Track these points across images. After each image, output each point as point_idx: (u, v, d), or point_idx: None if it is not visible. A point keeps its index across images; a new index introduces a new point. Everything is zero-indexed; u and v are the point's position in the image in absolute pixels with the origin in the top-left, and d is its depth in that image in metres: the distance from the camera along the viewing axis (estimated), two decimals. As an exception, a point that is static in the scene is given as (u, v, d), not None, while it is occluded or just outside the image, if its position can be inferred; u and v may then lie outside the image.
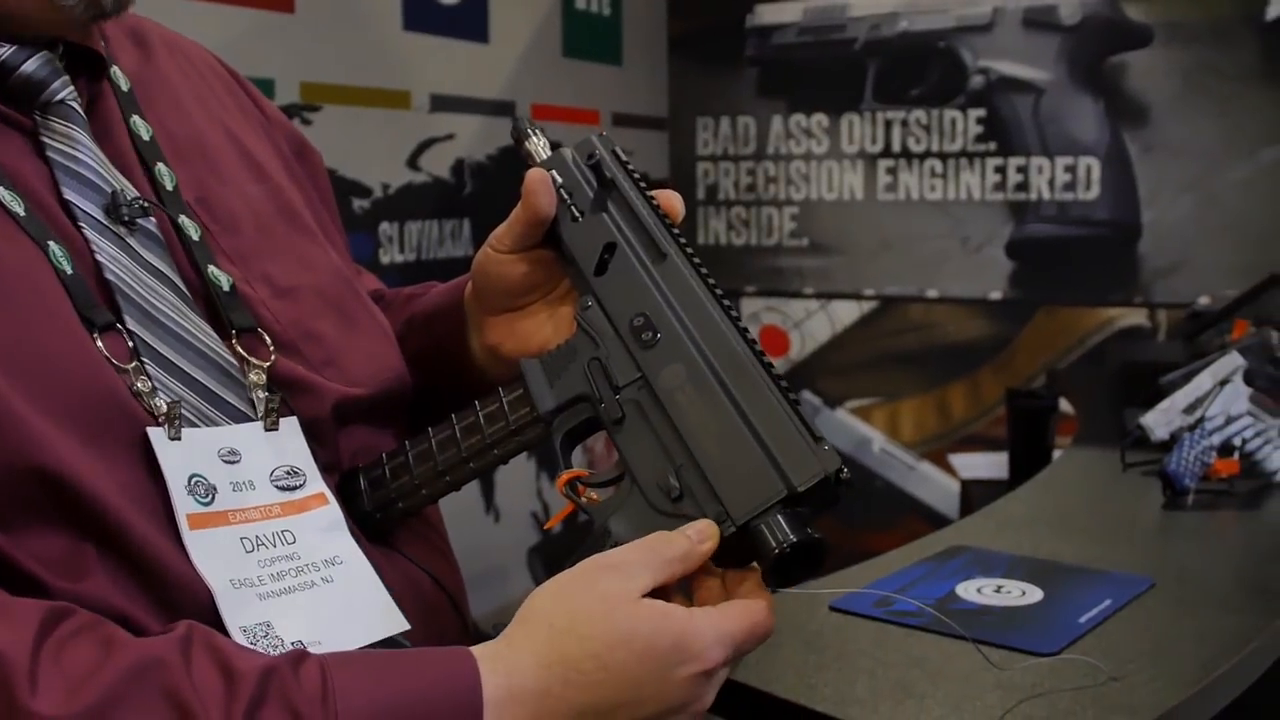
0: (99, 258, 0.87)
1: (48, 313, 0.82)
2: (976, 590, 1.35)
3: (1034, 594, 1.33)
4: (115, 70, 1.00)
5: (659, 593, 0.82)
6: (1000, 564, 1.44)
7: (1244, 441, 1.80)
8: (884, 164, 3.73)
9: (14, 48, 0.90)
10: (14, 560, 0.76)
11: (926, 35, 3.63)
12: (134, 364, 0.85)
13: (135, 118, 0.99)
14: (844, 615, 1.29)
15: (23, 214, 0.85)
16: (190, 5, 2.39)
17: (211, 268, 0.94)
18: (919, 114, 3.67)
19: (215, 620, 0.81)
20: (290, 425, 0.92)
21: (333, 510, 0.92)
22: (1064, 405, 2.90)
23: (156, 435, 0.83)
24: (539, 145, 1.03)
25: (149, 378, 0.85)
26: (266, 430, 0.90)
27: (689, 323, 0.92)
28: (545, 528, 0.86)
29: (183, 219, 0.95)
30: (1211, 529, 1.67)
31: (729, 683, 1.12)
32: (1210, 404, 1.82)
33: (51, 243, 0.85)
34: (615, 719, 0.78)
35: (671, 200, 0.98)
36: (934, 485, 3.75)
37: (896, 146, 3.71)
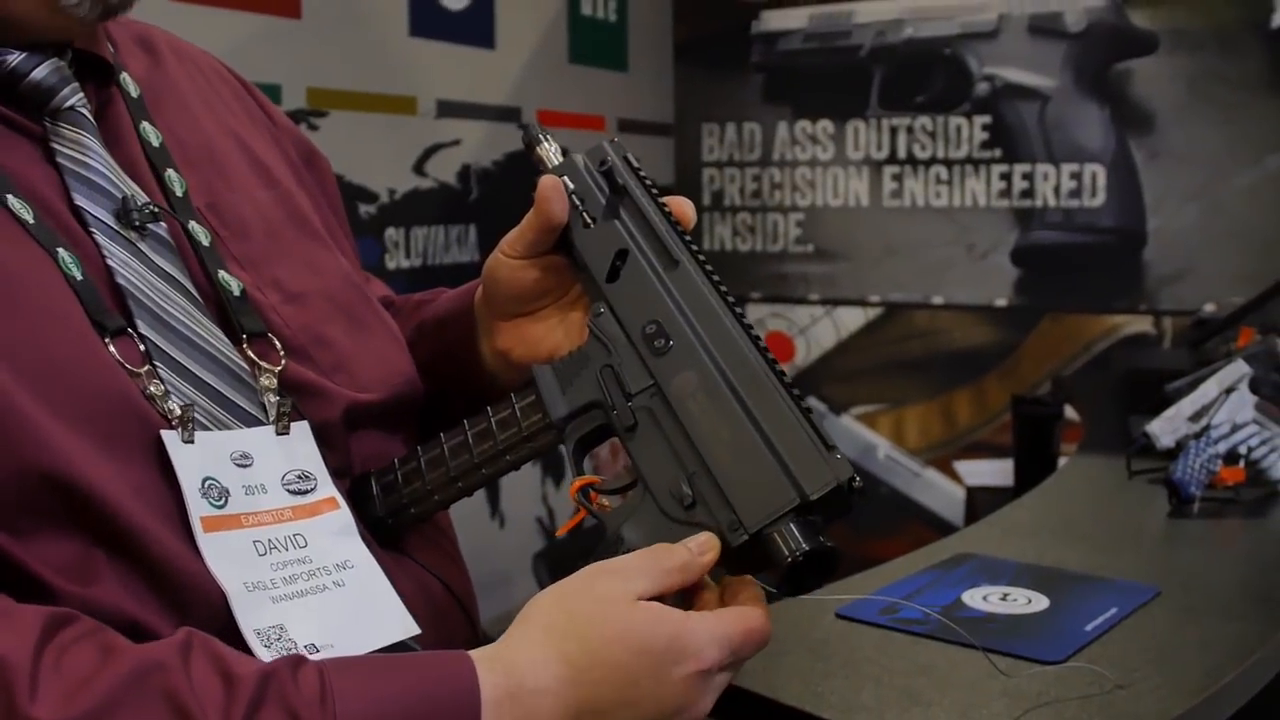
0: (110, 263, 0.88)
1: (58, 318, 0.83)
2: (982, 598, 1.35)
3: (1040, 602, 1.33)
4: (125, 76, 1.01)
5: (657, 601, 0.82)
6: (1006, 571, 1.44)
7: (1249, 449, 1.80)
8: (889, 170, 3.73)
9: (23, 54, 0.90)
10: (24, 565, 0.76)
11: (932, 42, 3.64)
12: (146, 368, 0.86)
13: (145, 124, 0.99)
14: (850, 622, 1.29)
15: (31, 221, 0.85)
16: (197, 10, 2.40)
17: (222, 273, 0.95)
18: (924, 120, 3.67)
19: (228, 622, 0.81)
20: (301, 429, 0.92)
21: (343, 514, 0.93)
22: (1069, 412, 2.89)
23: (170, 438, 0.83)
24: (550, 151, 1.03)
25: (161, 381, 0.86)
26: (278, 434, 0.91)
27: (701, 330, 0.92)
28: (558, 534, 0.86)
29: (193, 224, 0.96)
30: (1217, 537, 1.67)
31: (735, 689, 1.12)
32: (1216, 412, 1.82)
33: (60, 249, 0.85)
34: (613, 718, 0.79)
35: (683, 207, 0.99)
36: (939, 492, 3.75)
37: (902, 153, 3.71)
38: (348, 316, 1.03)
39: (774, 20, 3.87)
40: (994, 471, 3.47)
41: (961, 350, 3.67)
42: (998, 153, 3.58)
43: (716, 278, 0.94)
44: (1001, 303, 3.60)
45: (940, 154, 3.66)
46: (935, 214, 3.68)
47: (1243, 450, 1.80)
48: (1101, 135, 3.45)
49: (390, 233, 2.96)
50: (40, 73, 0.90)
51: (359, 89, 2.83)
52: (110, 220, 0.89)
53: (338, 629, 0.85)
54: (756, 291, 3.93)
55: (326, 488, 0.92)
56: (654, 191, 0.98)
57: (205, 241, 0.96)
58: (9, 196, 0.85)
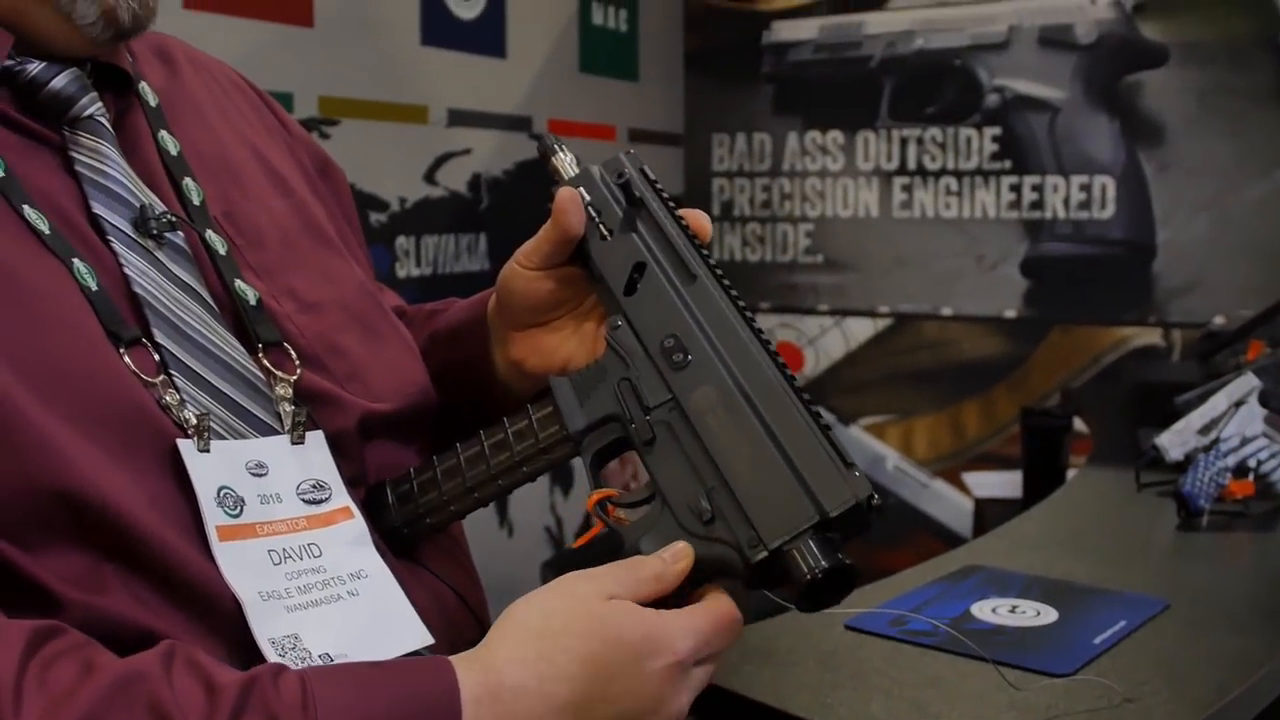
0: (127, 271, 0.88)
1: (72, 329, 0.83)
2: (991, 610, 1.34)
3: (1049, 614, 1.33)
4: (144, 86, 1.01)
5: None
6: (1015, 584, 1.44)
7: (1259, 463, 1.79)
8: (899, 181, 3.74)
9: (43, 64, 0.91)
10: (30, 575, 0.77)
11: (942, 53, 3.64)
12: (161, 377, 0.86)
13: (163, 132, 1.00)
14: (859, 634, 1.29)
15: (48, 232, 0.85)
16: (209, 18, 2.41)
17: (238, 282, 0.95)
18: (934, 132, 3.68)
19: (243, 632, 0.81)
20: (316, 439, 0.93)
21: (358, 524, 0.93)
22: (1078, 424, 2.89)
23: (186, 447, 0.84)
24: (566, 162, 1.03)
25: (177, 390, 0.86)
26: (293, 444, 0.91)
27: (720, 345, 0.92)
28: (574, 545, 0.87)
29: (210, 233, 0.96)
30: (1226, 550, 1.67)
31: (744, 701, 1.13)
32: (1225, 425, 1.81)
33: (76, 259, 0.85)
34: (592, 714, 0.79)
35: (700, 220, 0.99)
36: (947, 503, 3.74)
37: (912, 164, 3.71)
38: (362, 326, 1.04)
39: (784, 31, 3.88)
40: (1002, 483, 3.47)
41: (970, 361, 3.67)
42: (1008, 164, 3.59)
43: (734, 292, 0.94)
44: (1011, 314, 3.60)
45: (950, 165, 3.66)
46: (945, 225, 3.68)
47: (1252, 463, 1.79)
48: (1111, 147, 3.45)
49: (401, 241, 2.96)
50: (59, 82, 0.91)
51: (371, 97, 2.84)
52: (128, 229, 0.90)
53: (352, 639, 0.86)
54: (766, 302, 3.93)
55: (341, 497, 0.93)
56: (671, 205, 0.98)
57: (222, 250, 0.96)
58: (25, 207, 0.85)
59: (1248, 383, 1.86)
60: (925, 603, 1.37)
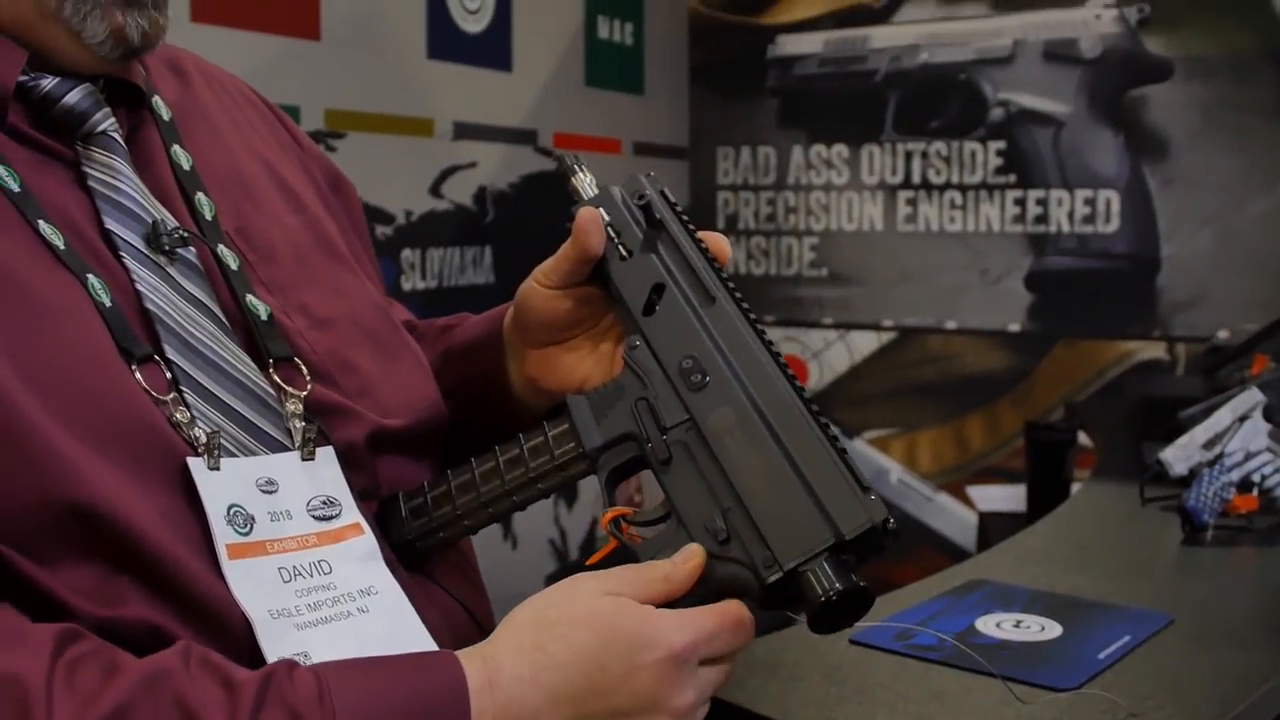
0: (139, 287, 0.89)
1: (86, 346, 0.83)
2: (996, 625, 1.35)
3: (1053, 629, 1.33)
4: (157, 100, 1.02)
5: None
6: (1019, 598, 1.44)
7: (1263, 478, 1.80)
8: (904, 195, 3.74)
9: (56, 80, 0.92)
10: (46, 588, 0.78)
11: (947, 67, 3.65)
12: (172, 394, 0.86)
13: (176, 147, 1.00)
14: (864, 648, 1.29)
15: (62, 247, 0.86)
16: (216, 31, 2.42)
17: (250, 297, 0.96)
18: (939, 145, 3.68)
19: (253, 650, 0.82)
20: (326, 455, 0.93)
21: (368, 540, 0.93)
22: (1082, 438, 2.89)
23: (196, 465, 0.84)
24: (586, 182, 1.03)
25: (188, 408, 0.86)
26: (303, 460, 0.91)
27: (738, 367, 0.92)
28: (588, 564, 0.86)
29: (221, 249, 0.97)
30: (1230, 565, 1.67)
31: (749, 715, 1.13)
32: (1229, 440, 1.82)
33: (90, 275, 0.86)
34: (588, 707, 0.80)
35: (719, 243, 1.00)
36: (951, 517, 3.74)
37: (916, 178, 3.72)
38: (374, 342, 1.04)
39: (789, 44, 3.88)
40: (1007, 497, 3.47)
41: (975, 375, 3.67)
42: (1012, 178, 3.59)
43: (753, 315, 0.95)
44: (1015, 328, 3.61)
45: (955, 179, 3.67)
46: (949, 239, 3.68)
47: (1256, 478, 1.80)
48: (1116, 161, 3.46)
49: (406, 254, 2.97)
50: (73, 97, 0.92)
51: (377, 110, 2.85)
52: (140, 245, 0.90)
53: (362, 656, 0.86)
54: (770, 315, 3.94)
55: (351, 513, 0.93)
56: (690, 227, 0.99)
57: (234, 266, 0.96)
58: (40, 222, 0.86)
59: (1252, 397, 1.87)
60: (930, 617, 1.37)
